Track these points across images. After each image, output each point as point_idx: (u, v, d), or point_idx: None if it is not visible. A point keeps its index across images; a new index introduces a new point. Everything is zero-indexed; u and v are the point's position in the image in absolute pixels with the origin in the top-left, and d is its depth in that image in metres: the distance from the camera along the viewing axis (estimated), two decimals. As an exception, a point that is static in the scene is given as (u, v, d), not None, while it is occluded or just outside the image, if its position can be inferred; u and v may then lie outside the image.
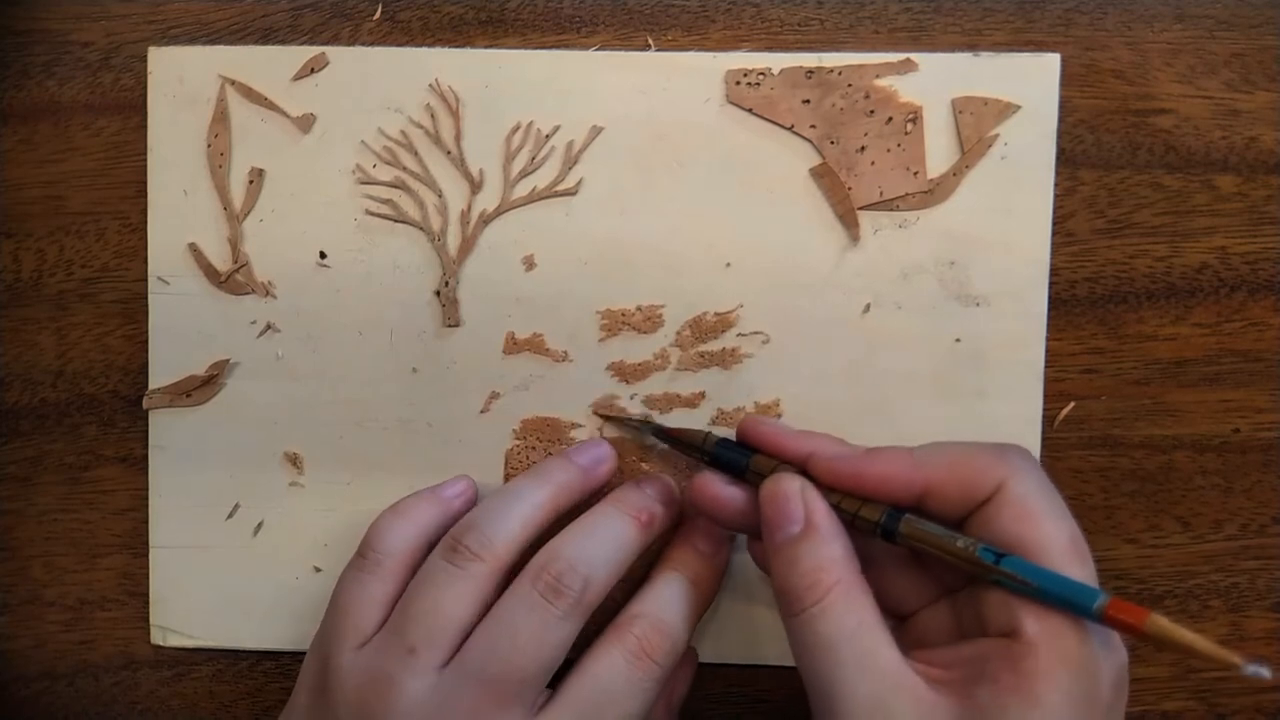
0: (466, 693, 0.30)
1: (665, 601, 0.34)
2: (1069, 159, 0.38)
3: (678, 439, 0.36)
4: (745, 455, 0.34)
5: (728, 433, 0.36)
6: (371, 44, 0.39)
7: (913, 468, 0.30)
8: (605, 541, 0.33)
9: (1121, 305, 0.38)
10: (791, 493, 0.31)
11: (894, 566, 0.32)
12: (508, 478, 0.38)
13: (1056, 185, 0.37)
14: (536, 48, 0.38)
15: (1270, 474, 0.38)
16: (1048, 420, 0.38)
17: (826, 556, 0.30)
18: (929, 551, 0.29)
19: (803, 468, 0.32)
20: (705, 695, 0.39)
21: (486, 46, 0.38)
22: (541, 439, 0.38)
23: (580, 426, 0.38)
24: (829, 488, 0.31)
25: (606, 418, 0.38)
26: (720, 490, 0.34)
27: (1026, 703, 0.26)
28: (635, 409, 0.38)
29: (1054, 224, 0.37)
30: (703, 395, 0.38)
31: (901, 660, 0.28)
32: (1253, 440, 0.38)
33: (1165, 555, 0.38)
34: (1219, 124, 0.37)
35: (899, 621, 0.33)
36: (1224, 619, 0.38)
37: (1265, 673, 0.24)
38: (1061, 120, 0.37)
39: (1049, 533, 0.28)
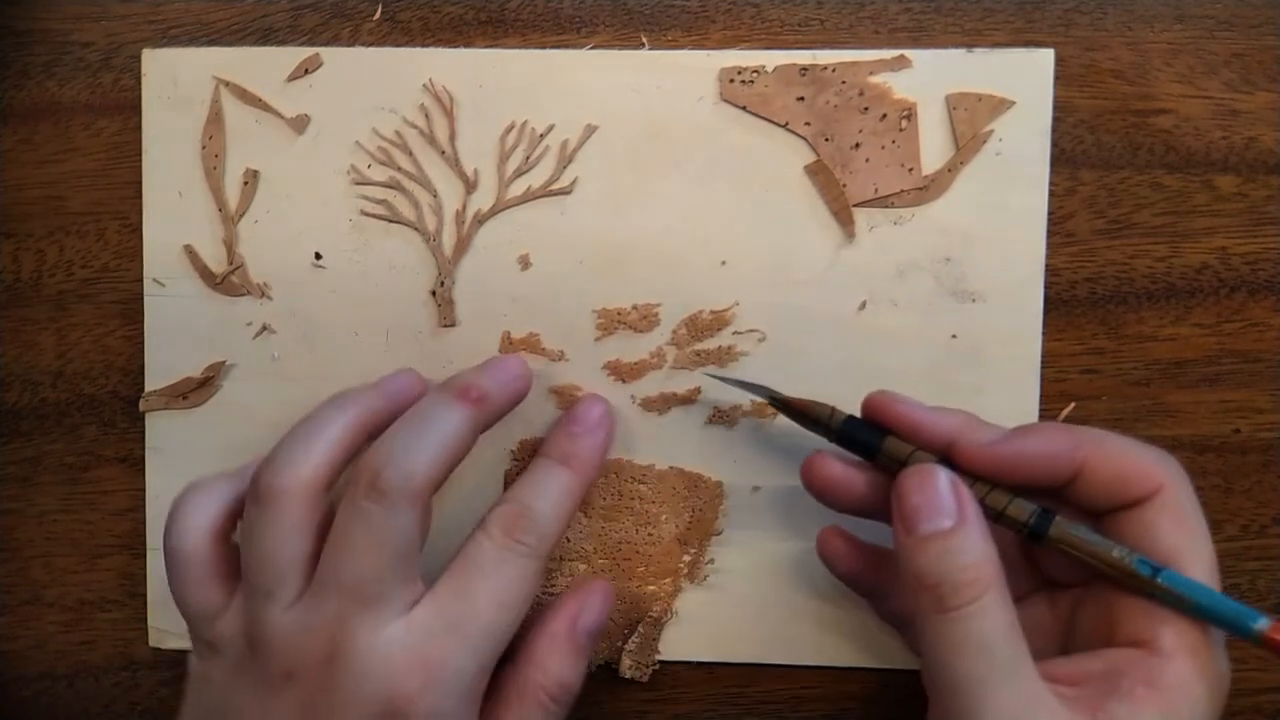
0: (329, 606, 0.30)
1: (529, 486, 0.33)
2: (1069, 159, 0.38)
3: (800, 412, 0.33)
4: (877, 436, 0.31)
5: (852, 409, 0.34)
6: (371, 44, 0.39)
7: (1074, 445, 0.29)
8: (427, 429, 0.31)
9: (1121, 306, 0.38)
10: (942, 483, 0.29)
11: (1007, 553, 0.30)
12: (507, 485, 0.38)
13: (1057, 186, 0.37)
14: (537, 48, 0.38)
15: (1270, 475, 0.38)
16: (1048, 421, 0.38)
17: (985, 552, 0.28)
18: (1078, 557, 0.28)
19: (943, 453, 0.31)
20: (706, 696, 0.39)
21: (486, 47, 0.38)
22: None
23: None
24: (975, 476, 0.30)
25: (721, 379, 0.36)
26: (839, 473, 0.32)
27: (1164, 716, 0.26)
28: (633, 411, 0.38)
29: (1054, 224, 0.37)
30: (698, 391, 0.38)
31: (1036, 671, 0.27)
32: (1253, 441, 0.38)
33: (1165, 556, 0.38)
34: (1219, 124, 0.37)
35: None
36: (1224, 620, 0.38)
37: None
38: (1061, 120, 0.37)
39: (1202, 546, 0.28)
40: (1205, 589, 0.27)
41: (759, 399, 0.35)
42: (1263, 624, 0.26)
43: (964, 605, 0.27)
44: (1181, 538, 0.28)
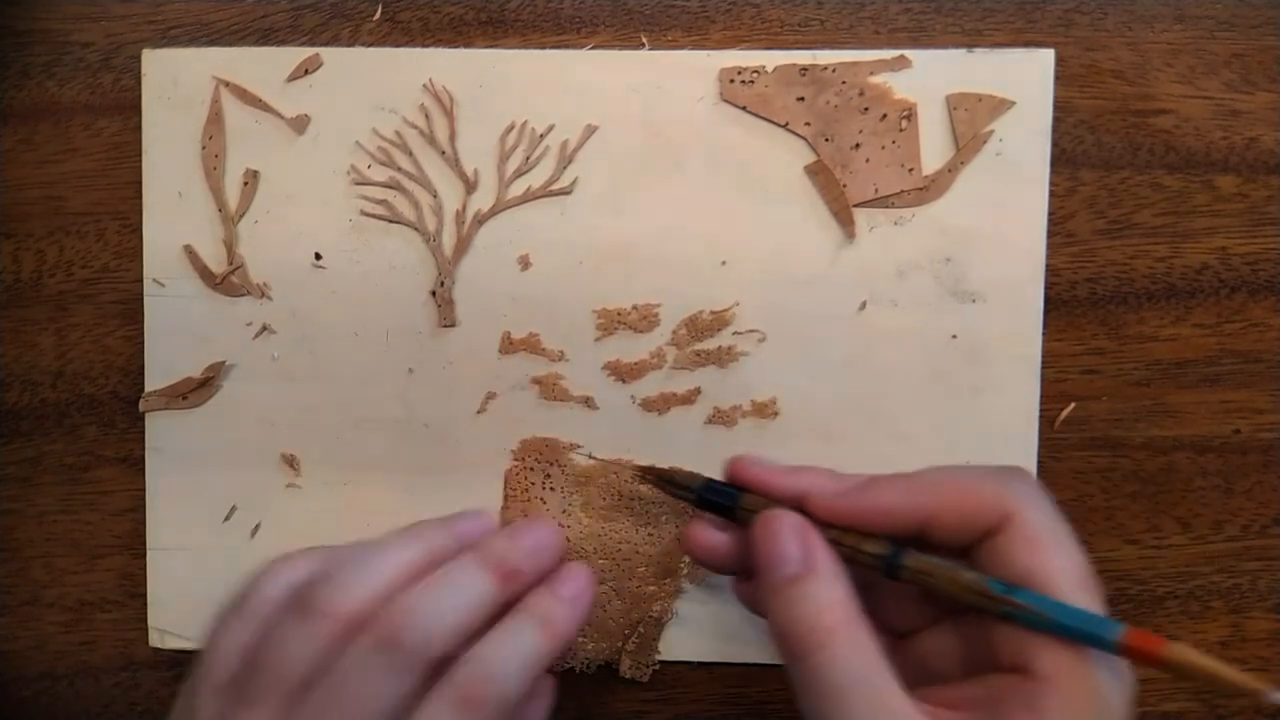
0: None
1: (501, 646, 0.31)
2: (1069, 159, 0.38)
3: (663, 479, 0.34)
4: (734, 496, 0.32)
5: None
6: (371, 44, 0.39)
7: (914, 497, 0.29)
8: (454, 596, 0.31)
9: (1122, 306, 0.38)
10: (786, 530, 0.30)
11: (895, 588, 0.31)
12: (506, 499, 0.38)
13: (1057, 186, 0.37)
14: (537, 48, 0.38)
15: (1271, 475, 0.38)
16: (1048, 421, 0.38)
17: (828, 598, 0.28)
18: (936, 585, 0.29)
19: (797, 506, 0.31)
20: (706, 697, 0.39)
21: (487, 47, 0.38)
22: (540, 459, 0.38)
23: (580, 447, 0.38)
24: (825, 524, 0.30)
25: (592, 457, 0.37)
26: (711, 537, 0.33)
27: None
28: (633, 411, 0.38)
29: (1055, 225, 0.37)
30: (698, 391, 0.38)
31: (910, 703, 0.27)
32: (1253, 441, 0.38)
33: (1166, 556, 0.38)
34: (1219, 124, 0.37)
35: (899, 640, 0.32)
36: (1225, 620, 0.38)
37: None
38: (1062, 120, 0.37)
39: (1061, 564, 0.28)
40: (1059, 604, 0.27)
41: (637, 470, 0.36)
42: (1118, 632, 0.26)
43: (812, 653, 0.28)
44: (1035, 559, 0.28)
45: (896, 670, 0.28)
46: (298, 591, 0.31)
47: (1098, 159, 0.38)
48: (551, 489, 0.38)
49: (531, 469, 0.38)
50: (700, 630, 0.38)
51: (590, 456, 0.38)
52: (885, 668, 0.28)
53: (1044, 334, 0.37)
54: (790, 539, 0.30)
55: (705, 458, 0.38)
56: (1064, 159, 0.38)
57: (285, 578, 0.33)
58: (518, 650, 0.31)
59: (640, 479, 0.36)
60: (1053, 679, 0.26)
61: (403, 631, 0.29)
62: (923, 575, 0.29)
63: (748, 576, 0.33)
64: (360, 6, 0.39)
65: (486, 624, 0.31)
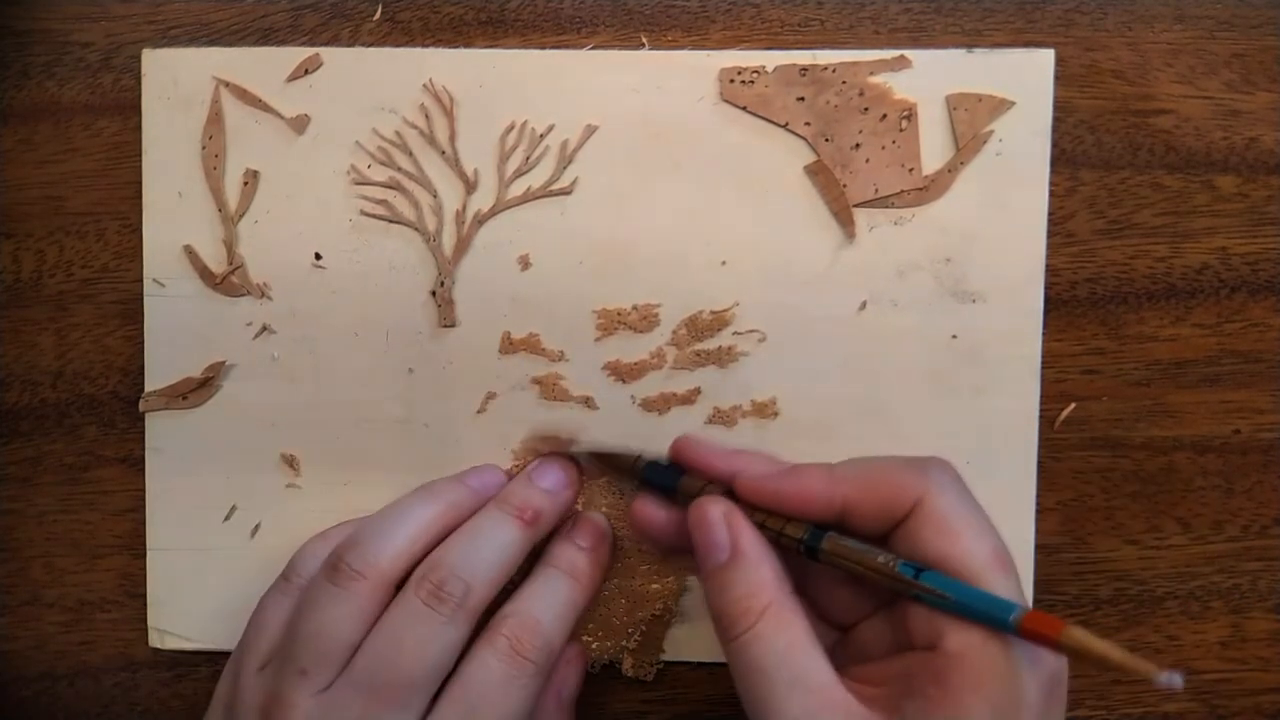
0: (355, 702, 0.31)
1: (537, 598, 0.34)
2: (1069, 159, 0.38)
3: (608, 462, 0.36)
4: (674, 477, 0.33)
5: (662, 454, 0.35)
6: (371, 44, 0.39)
7: (830, 485, 0.30)
8: (488, 544, 0.33)
9: (1122, 306, 0.38)
10: (715, 518, 0.31)
11: (831, 580, 0.32)
12: None
13: (1057, 186, 0.37)
14: (537, 48, 0.38)
15: (1271, 475, 0.38)
16: (1049, 422, 0.38)
17: (755, 581, 0.30)
18: (852, 568, 0.29)
19: (729, 488, 0.32)
20: (707, 697, 0.39)
21: (487, 47, 0.38)
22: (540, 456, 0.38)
23: (578, 444, 0.38)
24: (753, 507, 0.31)
25: (541, 439, 0.37)
26: (653, 514, 0.34)
27: (952, 716, 0.26)
28: (634, 411, 0.38)
29: (1055, 225, 0.37)
30: (698, 391, 0.38)
31: (834, 678, 0.28)
32: (1253, 441, 0.38)
33: (1166, 556, 0.38)
34: (1219, 124, 0.37)
35: (841, 634, 0.33)
36: (1225, 620, 0.38)
37: (1178, 682, 0.24)
38: (1062, 120, 0.37)
39: (970, 546, 0.28)
40: (962, 586, 0.27)
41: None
42: (1016, 614, 0.26)
43: (741, 633, 0.29)
44: (944, 542, 0.28)
45: (838, 658, 0.29)
46: (328, 560, 0.33)
47: (1098, 159, 0.38)
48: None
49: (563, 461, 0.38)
50: (703, 630, 0.38)
51: (530, 444, 0.38)
52: (811, 645, 0.29)
53: (1044, 334, 0.37)
54: (718, 526, 0.31)
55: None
56: (1064, 159, 0.38)
57: (317, 552, 0.35)
58: (554, 599, 0.34)
59: (587, 459, 0.37)
60: (960, 655, 0.27)
61: (446, 584, 0.32)
62: (839, 558, 0.30)
63: (688, 553, 0.34)
64: (360, 6, 0.39)
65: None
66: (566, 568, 0.35)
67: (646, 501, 0.34)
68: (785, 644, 0.29)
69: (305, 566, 0.35)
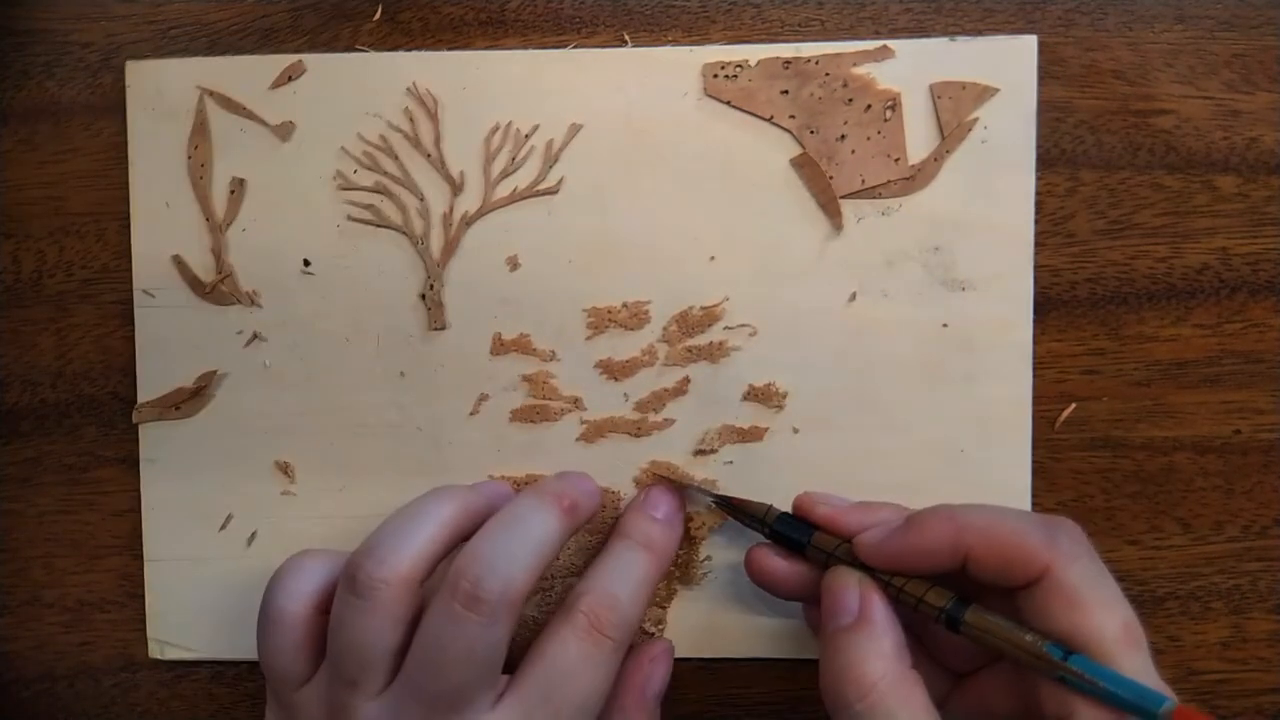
0: (414, 710, 0.30)
1: (613, 572, 0.33)
2: (1069, 159, 0.38)
3: (739, 510, 0.36)
4: (807, 533, 0.34)
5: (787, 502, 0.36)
6: (371, 45, 0.39)
7: (954, 536, 0.30)
8: (525, 535, 0.32)
9: (1122, 306, 0.38)
10: (848, 584, 0.31)
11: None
12: None
13: (1057, 186, 0.37)
14: (537, 48, 0.38)
15: (1271, 475, 0.38)
16: (1049, 422, 0.38)
17: (874, 650, 0.29)
18: (994, 644, 0.29)
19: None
20: (706, 697, 0.39)
21: (486, 47, 0.38)
22: (518, 484, 0.38)
23: (697, 484, 0.38)
24: (889, 572, 0.31)
25: (668, 481, 0.37)
26: (776, 565, 0.34)
27: None
28: (626, 409, 0.38)
29: (1054, 225, 0.37)
30: (688, 380, 0.38)
31: None
32: (1254, 442, 0.38)
33: (1167, 557, 0.38)
34: (1220, 125, 0.37)
35: (957, 680, 0.33)
36: (1225, 621, 0.38)
37: None
38: (1062, 120, 0.37)
39: (1101, 622, 0.28)
40: (1112, 674, 0.27)
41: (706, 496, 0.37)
42: (1166, 708, 0.26)
43: (854, 704, 0.29)
44: (1076, 616, 0.28)
45: (955, 710, 0.30)
46: (345, 573, 0.32)
47: (1098, 159, 0.38)
48: None
49: (518, 486, 0.38)
50: (701, 630, 0.38)
51: (659, 476, 0.38)
52: (929, 717, 0.28)
53: (1044, 335, 0.37)
54: (849, 591, 0.31)
55: (702, 454, 0.38)
56: (1064, 159, 0.37)
57: (305, 575, 0.33)
58: (630, 573, 0.33)
59: (715, 507, 0.37)
60: None
61: (483, 579, 0.30)
62: (982, 633, 0.29)
63: (806, 601, 0.35)
64: (360, 7, 0.39)
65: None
66: (642, 540, 0.34)
67: (769, 552, 0.34)
68: (910, 715, 0.28)
69: (293, 589, 0.33)
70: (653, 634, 0.38)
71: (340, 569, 0.33)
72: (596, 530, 0.38)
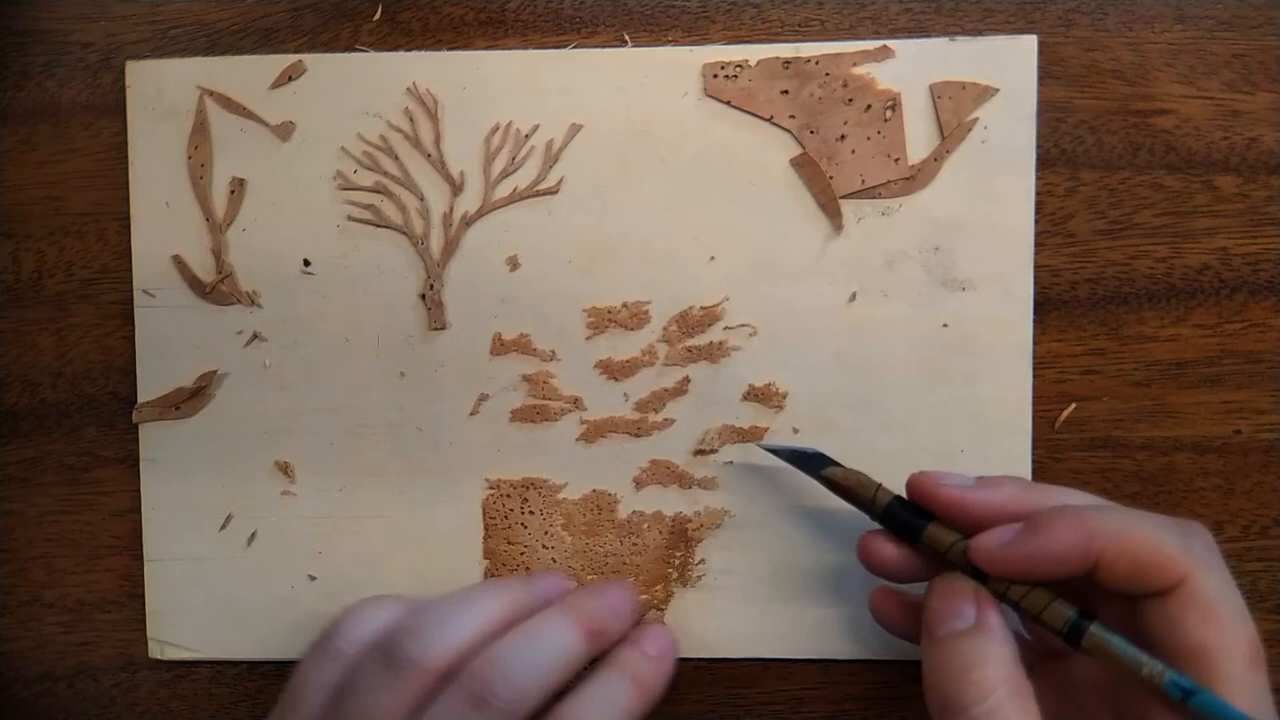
0: None
1: (595, 700, 0.32)
2: (1069, 159, 0.38)
3: (846, 489, 0.34)
4: (922, 521, 0.32)
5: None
6: (372, 45, 0.39)
7: (1085, 541, 0.28)
8: (546, 651, 0.31)
9: (1122, 306, 0.38)
10: (962, 591, 0.30)
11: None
12: (487, 528, 0.38)
13: (1057, 186, 0.37)
14: (537, 48, 0.38)
15: (1271, 475, 0.38)
16: (1049, 422, 0.38)
17: (996, 655, 0.28)
18: (1112, 665, 0.28)
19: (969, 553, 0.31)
20: (706, 697, 0.39)
21: (486, 47, 0.38)
22: (515, 486, 0.38)
23: (565, 485, 0.38)
24: (1007, 579, 0.30)
25: (773, 450, 0.36)
26: (888, 551, 0.33)
27: None
28: (626, 409, 0.38)
29: (1055, 225, 0.37)
30: (688, 380, 0.38)
31: None
32: (1254, 442, 0.38)
33: (1166, 557, 0.38)
34: (1220, 125, 0.37)
35: (1049, 659, 0.32)
36: (1225, 621, 0.38)
37: None
38: (1062, 120, 0.37)
39: (1234, 639, 0.27)
40: (1237, 714, 0.26)
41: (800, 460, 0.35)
42: None
43: (971, 708, 0.28)
44: (1208, 632, 0.27)
45: (1042, 695, 0.28)
46: (383, 642, 0.32)
47: (1098, 159, 0.38)
48: (531, 512, 0.38)
49: (508, 495, 0.38)
50: (701, 630, 0.38)
51: (766, 448, 0.36)
52: None
53: (1044, 335, 0.37)
54: (965, 596, 0.30)
55: (701, 454, 0.38)
56: (1064, 159, 0.37)
57: (371, 621, 0.33)
58: (610, 707, 0.32)
59: (824, 484, 0.34)
60: None
61: (495, 685, 0.30)
62: (1100, 653, 0.28)
63: (918, 581, 0.33)
64: (360, 7, 0.39)
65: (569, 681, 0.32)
66: (631, 673, 0.33)
67: (881, 537, 0.33)
68: None
69: (354, 633, 0.33)
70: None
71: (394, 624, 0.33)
72: (582, 530, 0.38)
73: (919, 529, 0.32)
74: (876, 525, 0.33)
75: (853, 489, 0.34)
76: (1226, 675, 0.26)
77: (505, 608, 0.33)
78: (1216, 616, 0.27)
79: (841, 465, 0.34)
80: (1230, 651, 0.27)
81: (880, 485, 0.33)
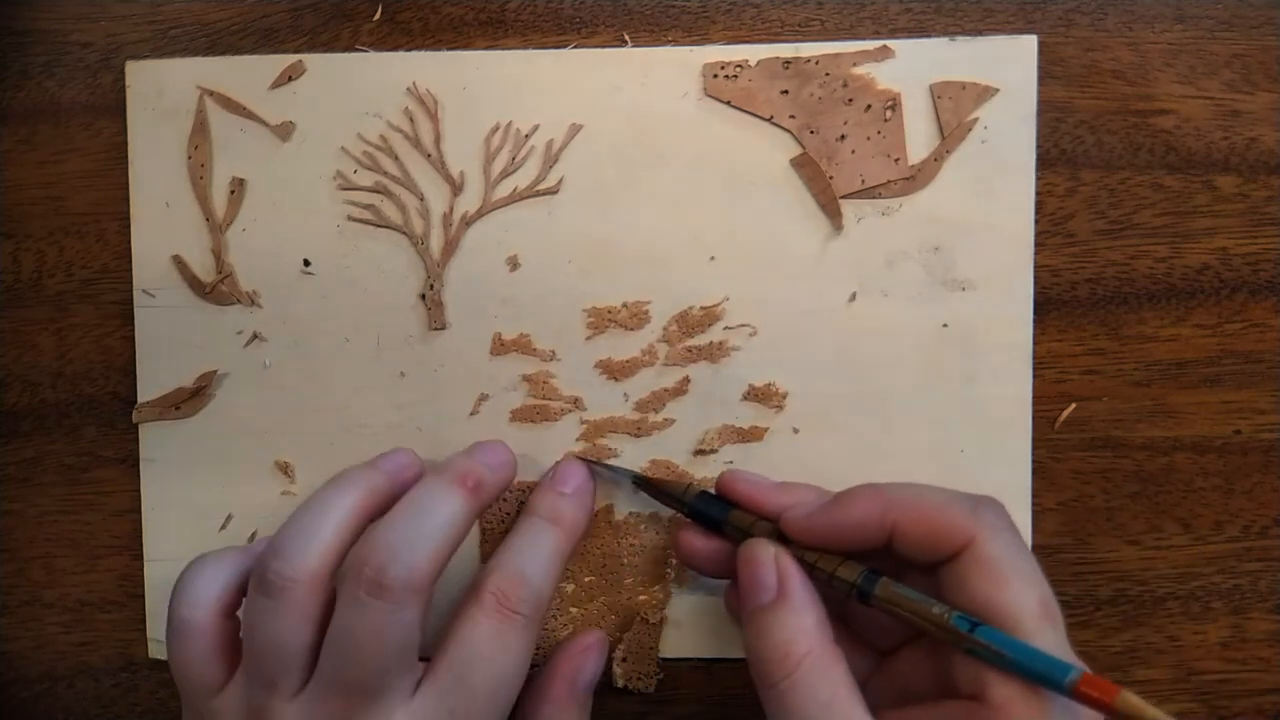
0: (334, 702, 0.30)
1: (520, 550, 0.33)
2: (1069, 159, 0.38)
3: (659, 489, 0.36)
4: (724, 510, 0.34)
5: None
6: (371, 45, 0.39)
7: (881, 510, 0.30)
8: (427, 518, 0.31)
9: (1122, 306, 0.38)
10: (764, 558, 0.31)
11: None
12: (484, 533, 0.38)
13: (1057, 186, 0.37)
14: (537, 48, 0.38)
15: (1271, 475, 0.38)
16: (1049, 422, 0.38)
17: (796, 626, 0.30)
18: (904, 616, 0.29)
19: (777, 526, 0.32)
20: (706, 698, 0.39)
21: (486, 47, 0.38)
22: (511, 492, 0.38)
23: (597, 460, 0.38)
24: (803, 545, 0.31)
25: (589, 463, 0.37)
26: (698, 544, 0.34)
27: None
28: (626, 409, 0.38)
29: (1055, 225, 0.38)
30: (688, 380, 0.38)
31: None
32: (1254, 442, 0.38)
33: (1167, 557, 0.38)
34: (1220, 125, 0.37)
35: (878, 659, 0.33)
36: (1225, 621, 0.38)
37: None
38: (1062, 120, 0.37)
39: (1019, 597, 0.28)
40: (1018, 644, 0.27)
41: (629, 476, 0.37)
42: (1073, 677, 0.26)
43: (779, 681, 0.29)
44: (992, 589, 0.28)
45: (876, 689, 0.30)
46: (256, 571, 0.31)
47: (1098, 159, 0.38)
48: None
49: (504, 499, 0.38)
50: (700, 630, 0.38)
51: (582, 458, 0.38)
52: (852, 694, 0.29)
53: (1044, 335, 0.37)
54: (766, 565, 0.31)
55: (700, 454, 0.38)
56: (1064, 159, 0.37)
57: (211, 575, 0.33)
58: (537, 548, 0.33)
59: (636, 487, 0.37)
60: (1005, 708, 0.27)
61: (386, 566, 0.30)
62: (892, 605, 0.30)
63: (730, 579, 0.34)
64: (360, 7, 0.39)
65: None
66: (549, 514, 0.34)
67: (691, 531, 0.35)
68: (828, 696, 0.28)
69: (201, 596, 0.33)
70: (657, 626, 0.38)
71: (241, 569, 0.33)
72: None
73: (724, 514, 0.34)
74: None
75: (663, 488, 0.36)
76: (1017, 629, 0.27)
77: (362, 497, 0.32)
78: (1001, 576, 0.28)
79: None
80: (1016, 609, 0.28)
81: (691, 483, 0.36)
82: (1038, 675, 0.27)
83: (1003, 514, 0.30)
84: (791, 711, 0.28)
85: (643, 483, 0.37)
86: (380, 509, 0.33)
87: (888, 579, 0.30)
